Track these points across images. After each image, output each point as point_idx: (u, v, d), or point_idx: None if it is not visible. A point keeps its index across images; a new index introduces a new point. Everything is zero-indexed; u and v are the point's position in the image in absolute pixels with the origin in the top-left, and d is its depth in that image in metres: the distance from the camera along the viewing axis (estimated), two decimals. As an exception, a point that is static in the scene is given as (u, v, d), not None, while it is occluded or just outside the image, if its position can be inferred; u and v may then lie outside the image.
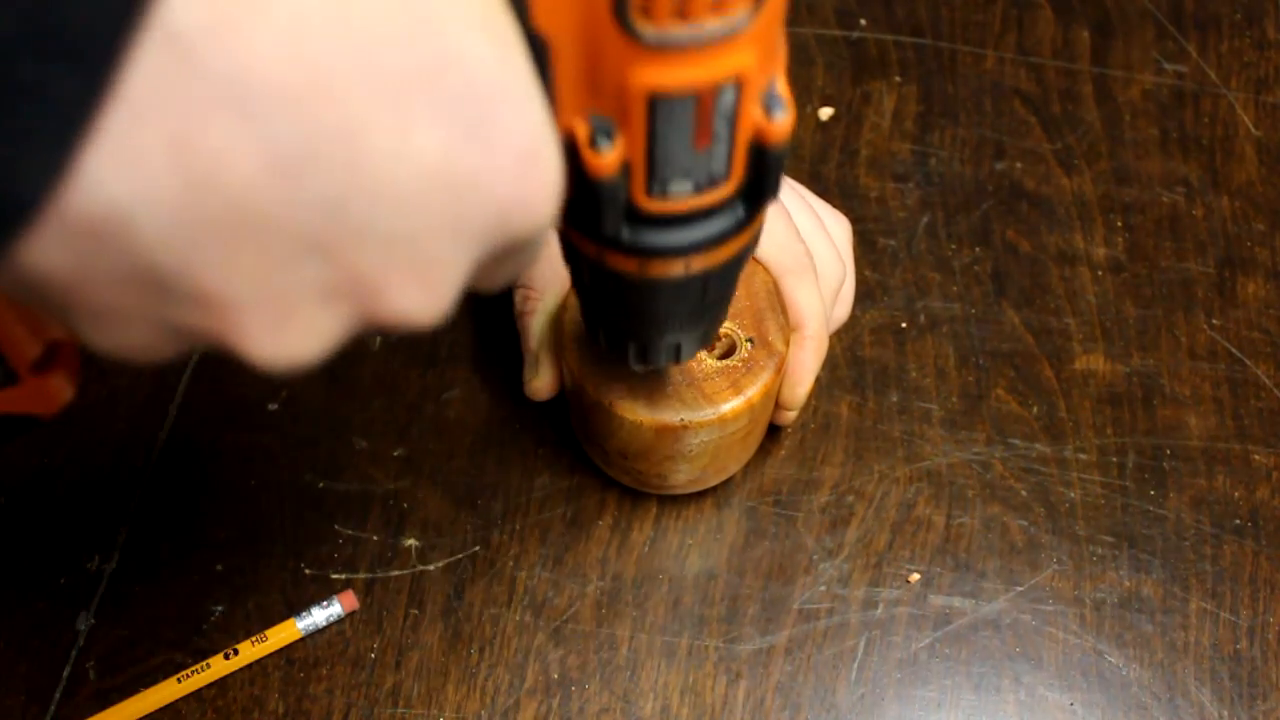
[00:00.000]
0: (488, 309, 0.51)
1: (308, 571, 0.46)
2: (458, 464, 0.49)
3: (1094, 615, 0.46)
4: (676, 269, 0.28)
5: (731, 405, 0.40)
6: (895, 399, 0.51)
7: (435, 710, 0.44)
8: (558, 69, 0.22)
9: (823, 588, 0.46)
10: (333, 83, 0.18)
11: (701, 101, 0.23)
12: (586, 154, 0.23)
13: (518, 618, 0.46)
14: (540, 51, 0.22)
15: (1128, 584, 0.47)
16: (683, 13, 0.21)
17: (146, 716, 0.43)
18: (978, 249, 0.55)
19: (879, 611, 0.46)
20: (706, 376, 0.41)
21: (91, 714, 0.43)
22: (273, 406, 0.50)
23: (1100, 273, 0.54)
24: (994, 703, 0.44)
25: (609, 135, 0.23)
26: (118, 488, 0.48)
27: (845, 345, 0.52)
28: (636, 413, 0.40)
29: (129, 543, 0.47)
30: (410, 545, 0.47)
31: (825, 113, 0.59)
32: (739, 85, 0.23)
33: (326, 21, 0.18)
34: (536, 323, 0.46)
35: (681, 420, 0.40)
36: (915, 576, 0.47)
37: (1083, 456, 0.50)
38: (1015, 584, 0.47)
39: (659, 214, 0.26)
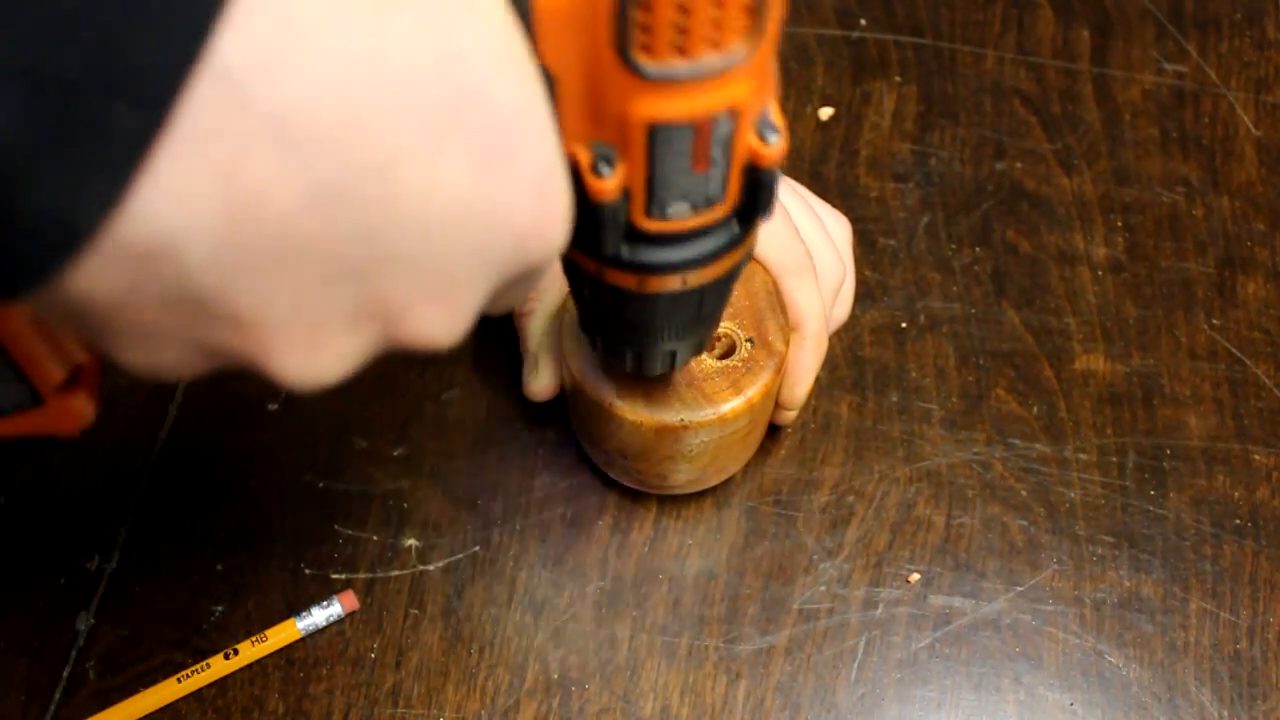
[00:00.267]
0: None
1: (308, 571, 0.46)
2: (458, 464, 0.49)
3: (1094, 615, 0.46)
4: (674, 284, 0.29)
5: (731, 405, 0.40)
6: (895, 399, 0.51)
7: (435, 710, 0.44)
8: (562, 100, 0.23)
9: (823, 588, 0.46)
10: (369, 118, 0.19)
11: (699, 130, 0.24)
12: (589, 179, 0.24)
13: (518, 618, 0.46)
14: (546, 84, 0.22)
15: (1128, 584, 0.47)
16: (682, 49, 0.21)
17: (146, 716, 0.43)
18: (978, 249, 0.55)
19: (879, 611, 0.46)
20: (706, 376, 0.41)
21: (91, 714, 0.43)
22: (273, 406, 0.50)
23: (1100, 273, 0.54)
24: (994, 703, 0.44)
25: (610, 162, 0.24)
26: (118, 488, 0.48)
27: (845, 345, 0.52)
28: (636, 413, 0.40)
29: (129, 543, 0.47)
30: (410, 545, 0.47)
31: (825, 113, 0.59)
32: (735, 114, 0.24)
33: (365, 59, 0.18)
34: (536, 323, 0.46)
35: (681, 420, 0.40)
36: (915, 576, 0.47)
37: (1083, 456, 0.50)
38: (1015, 584, 0.47)
39: (658, 233, 0.27)
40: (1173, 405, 0.51)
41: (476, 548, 0.47)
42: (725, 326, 0.42)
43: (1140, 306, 0.54)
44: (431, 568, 0.47)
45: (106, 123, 0.17)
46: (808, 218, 0.44)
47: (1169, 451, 0.50)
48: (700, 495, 0.48)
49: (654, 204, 0.26)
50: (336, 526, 0.47)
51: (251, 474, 0.49)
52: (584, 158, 0.24)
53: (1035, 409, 0.51)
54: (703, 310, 0.32)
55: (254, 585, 0.46)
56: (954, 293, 0.54)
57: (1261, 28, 0.63)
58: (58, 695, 0.44)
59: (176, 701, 0.44)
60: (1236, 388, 0.52)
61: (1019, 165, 0.58)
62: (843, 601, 0.46)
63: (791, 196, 0.44)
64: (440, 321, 0.22)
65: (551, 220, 0.22)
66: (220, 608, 0.46)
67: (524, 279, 0.24)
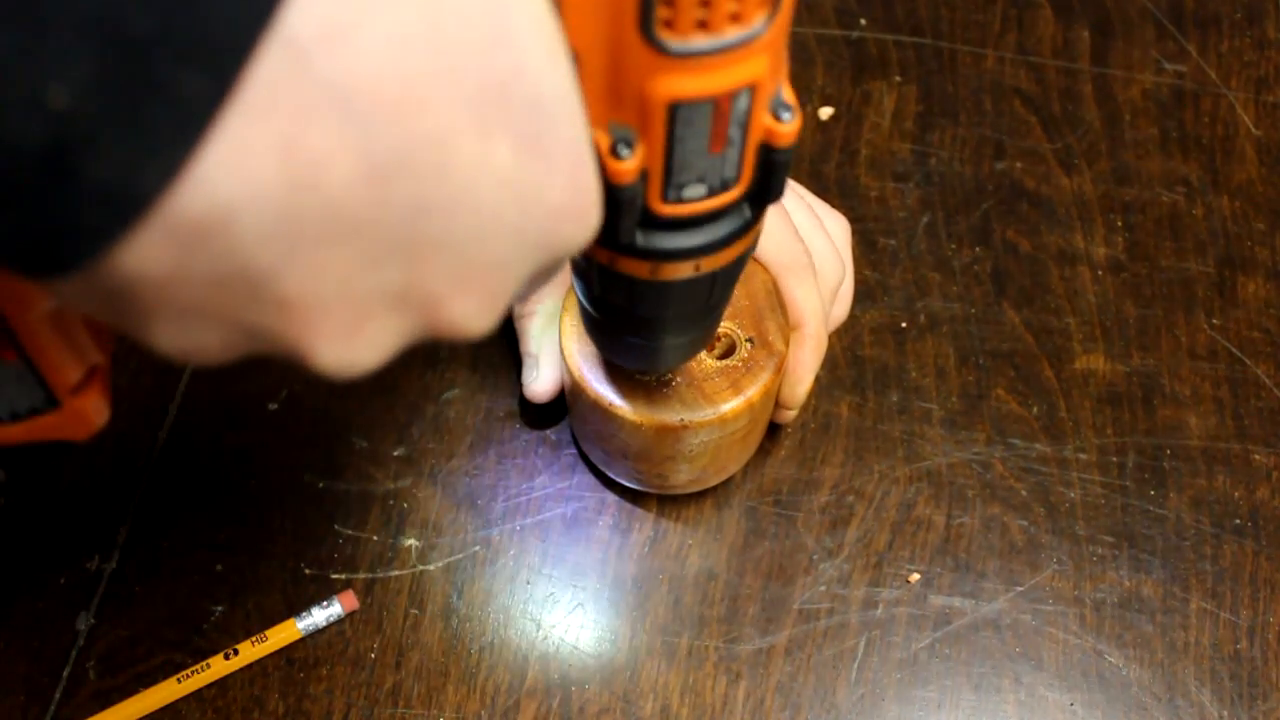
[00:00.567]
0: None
1: (308, 571, 0.46)
2: (458, 464, 0.49)
3: (1094, 615, 0.46)
4: (686, 270, 0.29)
5: (731, 405, 0.40)
6: (895, 399, 0.51)
7: (435, 710, 0.44)
8: (584, 82, 0.23)
9: (823, 588, 0.46)
10: (426, 91, 0.19)
11: (718, 107, 0.24)
12: (608, 162, 0.24)
13: (518, 618, 0.46)
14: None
15: (1128, 584, 0.47)
16: (705, 23, 0.22)
17: (146, 716, 0.43)
18: (978, 249, 0.55)
19: (879, 611, 0.46)
20: (706, 376, 0.41)
21: (91, 714, 0.43)
22: (273, 406, 0.50)
23: (1100, 272, 0.54)
24: (994, 703, 0.44)
25: (629, 143, 0.24)
26: (118, 488, 0.48)
27: (845, 345, 0.52)
28: (636, 413, 0.40)
29: (129, 543, 0.47)
30: (410, 545, 0.47)
31: (825, 112, 0.59)
32: (753, 90, 0.24)
33: (423, 32, 0.18)
34: (536, 324, 0.46)
35: (681, 420, 0.40)
36: (915, 576, 0.47)
37: (1083, 456, 0.50)
38: (1015, 584, 0.47)
39: (673, 217, 0.27)
40: (1173, 405, 0.51)
41: (476, 548, 0.47)
42: (725, 326, 0.41)
43: (1140, 306, 0.54)
44: (431, 568, 0.47)
45: (176, 87, 0.16)
46: (807, 217, 0.44)
47: (1169, 451, 0.50)
48: (700, 495, 0.48)
49: (671, 186, 0.26)
50: (336, 526, 0.47)
51: (251, 474, 0.49)
52: (603, 141, 0.24)
53: (1035, 409, 0.51)
54: (712, 299, 0.32)
55: (254, 585, 0.46)
56: (954, 293, 0.54)
57: (1261, 28, 0.63)
58: (58, 695, 0.44)
59: (176, 701, 0.44)
60: (1236, 388, 0.51)
61: (1019, 165, 0.58)
62: (843, 601, 0.46)
63: (791, 196, 0.44)
64: (476, 309, 0.23)
65: (585, 204, 0.22)
66: (220, 608, 0.46)
67: (549, 269, 0.24)
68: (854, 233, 0.48)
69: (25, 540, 0.47)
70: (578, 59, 0.23)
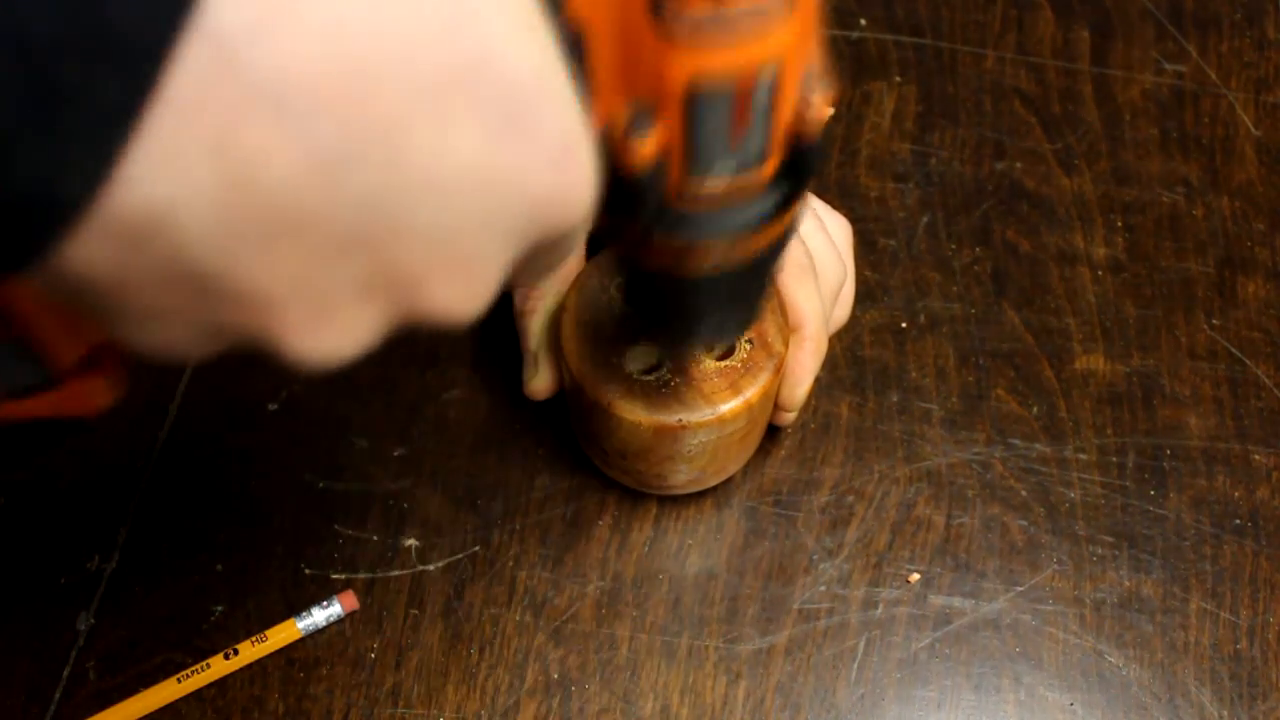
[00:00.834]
0: (487, 309, 0.51)
1: (308, 571, 0.46)
2: (458, 464, 0.49)
3: (1094, 615, 0.46)
4: (717, 255, 0.28)
5: (730, 406, 0.40)
6: (895, 399, 0.51)
7: (435, 710, 0.44)
8: (594, 59, 0.22)
9: (823, 588, 0.46)
10: (371, 81, 0.18)
11: (739, 86, 0.23)
12: (625, 143, 0.23)
13: (518, 618, 0.46)
14: (576, 43, 0.22)
15: (1128, 584, 0.47)
16: None
17: (146, 716, 0.43)
18: (978, 249, 0.55)
19: (879, 611, 0.46)
20: (705, 377, 0.41)
21: (91, 714, 0.43)
22: (273, 406, 0.50)
23: (1100, 273, 0.54)
24: (994, 703, 0.44)
25: (647, 123, 0.23)
26: (118, 488, 0.48)
27: (845, 345, 0.52)
28: (635, 413, 0.40)
29: (129, 543, 0.47)
30: (410, 545, 0.47)
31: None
32: (777, 68, 0.23)
33: (365, 21, 0.18)
34: (536, 323, 0.46)
35: (680, 420, 0.40)
36: (915, 576, 0.47)
37: (1083, 456, 0.50)
38: (1015, 584, 0.47)
39: (696, 200, 0.26)
40: (1173, 405, 0.51)
41: (476, 548, 0.47)
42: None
43: (1140, 306, 0.54)
44: (431, 568, 0.47)
45: (90, 90, 0.16)
46: (807, 218, 0.44)
47: (1169, 451, 0.50)
48: (700, 495, 0.48)
49: (694, 168, 0.25)
50: (336, 526, 0.47)
51: (251, 474, 0.49)
52: (620, 121, 0.23)
53: (1035, 409, 0.51)
54: (757, 280, 0.31)
55: (254, 585, 0.46)
56: (954, 293, 0.54)
57: (1261, 28, 0.63)
58: (58, 695, 0.44)
59: (176, 701, 0.44)
60: (1236, 388, 0.51)
61: (1019, 165, 0.58)
62: (843, 601, 0.46)
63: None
64: (458, 293, 0.22)
65: (573, 185, 0.21)
66: (220, 608, 0.46)
67: (549, 248, 0.23)
68: (854, 233, 0.48)
69: (25, 540, 0.47)
70: (586, 35, 0.22)
